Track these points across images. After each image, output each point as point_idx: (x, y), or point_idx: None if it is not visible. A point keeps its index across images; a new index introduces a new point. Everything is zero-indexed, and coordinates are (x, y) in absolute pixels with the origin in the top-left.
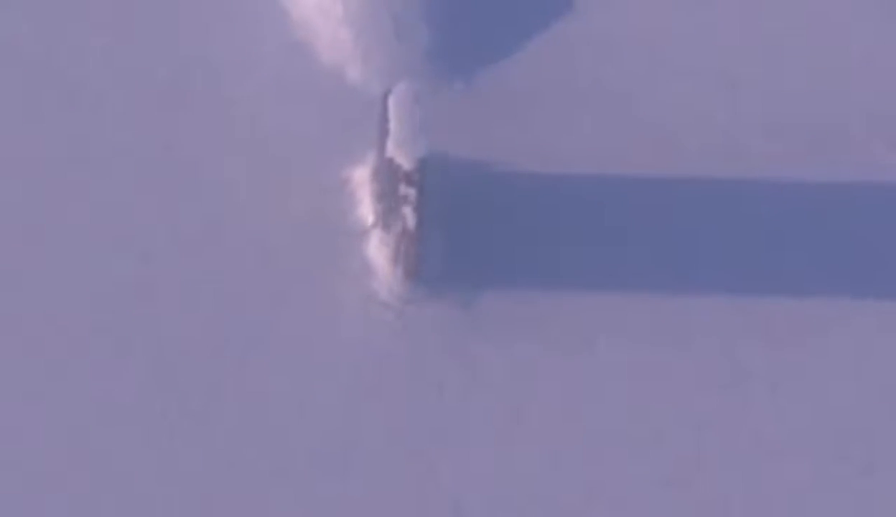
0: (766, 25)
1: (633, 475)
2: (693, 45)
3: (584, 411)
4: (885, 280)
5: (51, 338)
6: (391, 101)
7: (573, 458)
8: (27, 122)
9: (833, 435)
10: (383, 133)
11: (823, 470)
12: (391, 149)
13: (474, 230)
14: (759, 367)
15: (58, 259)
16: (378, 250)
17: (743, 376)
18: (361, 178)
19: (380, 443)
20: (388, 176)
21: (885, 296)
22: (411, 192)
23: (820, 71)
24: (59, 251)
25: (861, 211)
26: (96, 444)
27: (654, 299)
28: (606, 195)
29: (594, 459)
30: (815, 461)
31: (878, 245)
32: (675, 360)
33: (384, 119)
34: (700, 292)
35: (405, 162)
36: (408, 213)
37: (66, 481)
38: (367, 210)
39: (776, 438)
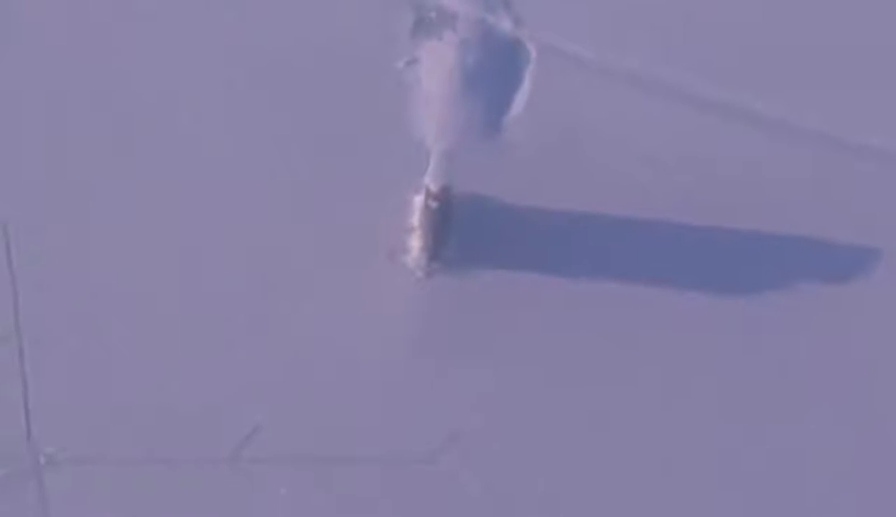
0: None
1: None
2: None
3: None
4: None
5: None
6: (433, 155)
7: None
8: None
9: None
10: (427, 171)
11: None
12: (427, 179)
13: (477, 232)
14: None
15: None
16: (416, 239)
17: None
18: (415, 198)
19: (402, 361)
20: (425, 196)
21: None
22: (435, 205)
23: None
24: None
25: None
26: None
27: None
28: (570, 220)
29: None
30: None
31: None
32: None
33: (428, 164)
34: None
35: (433, 187)
36: (433, 218)
37: None
38: (414, 216)
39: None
